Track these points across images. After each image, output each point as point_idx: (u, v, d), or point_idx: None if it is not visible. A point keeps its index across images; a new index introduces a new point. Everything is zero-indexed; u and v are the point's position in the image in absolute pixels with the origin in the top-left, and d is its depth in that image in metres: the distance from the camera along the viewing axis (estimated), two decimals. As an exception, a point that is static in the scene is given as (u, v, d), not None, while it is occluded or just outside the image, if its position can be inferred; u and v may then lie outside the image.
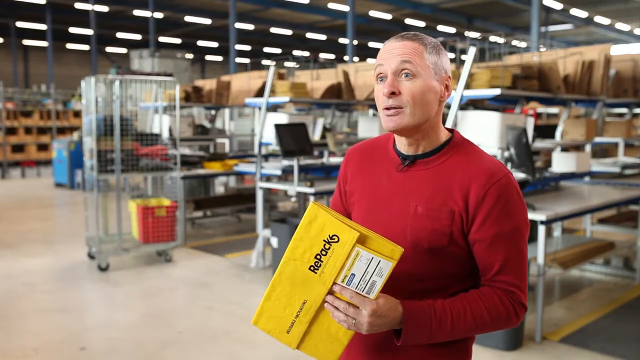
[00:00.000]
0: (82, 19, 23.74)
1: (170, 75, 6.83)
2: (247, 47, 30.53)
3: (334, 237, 1.19)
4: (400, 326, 1.21)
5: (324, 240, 1.20)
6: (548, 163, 5.78)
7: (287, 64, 10.92)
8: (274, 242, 5.27)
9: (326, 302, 1.20)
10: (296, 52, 29.12)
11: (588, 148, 5.79)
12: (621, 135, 6.31)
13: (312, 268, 1.22)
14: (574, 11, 21.12)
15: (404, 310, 1.20)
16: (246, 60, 13.59)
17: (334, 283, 1.20)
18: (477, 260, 1.30)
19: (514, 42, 19.51)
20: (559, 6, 20.06)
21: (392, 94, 1.26)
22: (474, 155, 1.32)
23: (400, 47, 1.28)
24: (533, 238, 5.40)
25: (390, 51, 1.29)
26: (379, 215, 1.34)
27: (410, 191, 1.31)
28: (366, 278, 1.18)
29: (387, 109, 1.28)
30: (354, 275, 1.18)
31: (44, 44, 27.10)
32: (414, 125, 1.28)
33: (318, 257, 1.21)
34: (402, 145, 1.35)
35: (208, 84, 8.18)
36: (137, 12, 22.93)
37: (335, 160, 6.95)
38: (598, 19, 22.64)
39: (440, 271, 1.30)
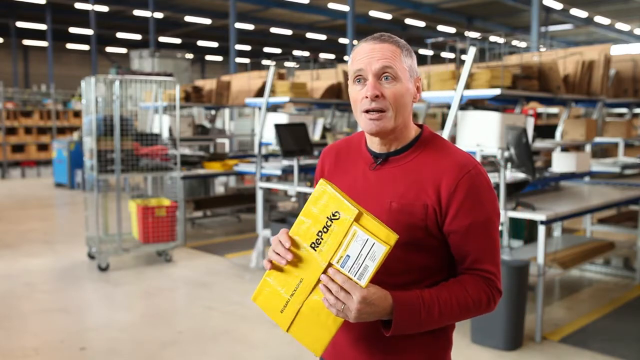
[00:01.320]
0: (82, 19, 23.74)
1: (170, 75, 6.83)
2: (247, 47, 30.53)
3: (335, 213, 1.21)
4: (388, 317, 1.23)
5: (327, 217, 1.22)
6: (548, 163, 5.78)
7: (287, 64, 10.91)
8: (274, 242, 5.26)
9: (320, 282, 1.21)
10: (296, 52, 29.13)
11: (588, 148, 5.79)
12: (621, 135, 6.31)
13: (312, 245, 1.23)
14: (574, 11, 21.12)
15: (394, 300, 1.22)
16: (246, 60, 13.58)
17: (329, 264, 1.21)
18: (453, 251, 1.34)
19: (514, 42, 19.51)
20: (559, 6, 20.06)
21: (377, 96, 1.29)
22: (444, 149, 1.36)
23: (380, 49, 1.30)
24: (533, 238, 5.41)
25: (370, 53, 1.31)
26: None
27: (385, 188, 1.34)
28: (359, 261, 1.18)
29: (369, 111, 1.30)
30: (348, 256, 1.19)
31: (44, 44, 27.11)
32: (393, 127, 1.32)
33: (320, 234, 1.23)
34: (375, 144, 1.38)
35: (208, 84, 8.18)
36: (137, 12, 22.94)
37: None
38: (598, 19, 22.64)
39: (417, 264, 1.33)
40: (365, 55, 1.31)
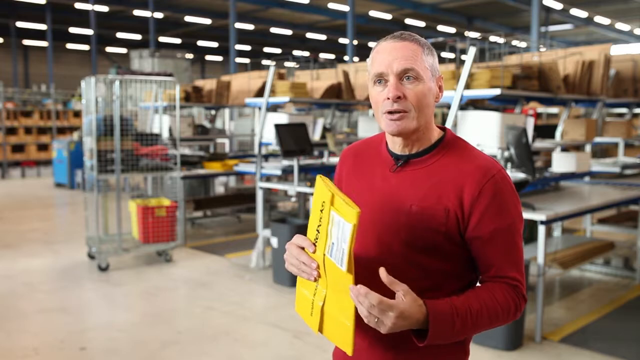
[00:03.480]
0: (82, 19, 23.75)
1: (170, 75, 6.83)
2: (247, 47, 30.53)
3: (323, 204, 1.19)
4: (421, 326, 1.18)
5: (320, 210, 1.20)
6: (548, 163, 5.79)
7: (287, 64, 10.92)
8: (274, 242, 5.27)
9: (351, 293, 1.15)
10: (296, 52, 29.13)
11: (588, 148, 5.79)
12: (621, 135, 6.30)
13: (315, 241, 1.22)
14: (574, 11, 21.13)
15: (429, 310, 1.18)
16: (246, 60, 13.58)
17: (324, 255, 1.19)
18: (477, 257, 1.31)
19: (514, 42, 19.51)
20: (559, 6, 20.06)
21: (399, 98, 1.26)
22: (467, 152, 1.33)
23: (401, 48, 1.27)
24: (533, 238, 5.40)
25: (391, 52, 1.27)
26: (376, 215, 1.33)
27: (405, 191, 1.31)
28: (339, 246, 1.14)
29: (391, 112, 1.27)
30: (333, 244, 1.16)
31: (44, 44, 27.11)
32: (415, 128, 1.29)
33: (318, 229, 1.21)
34: (397, 146, 1.35)
35: (208, 84, 8.18)
36: (137, 12, 22.94)
37: (335, 160, 6.95)
38: (598, 19, 22.64)
39: (435, 269, 1.29)
40: (386, 55, 1.28)
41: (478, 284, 1.35)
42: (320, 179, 1.23)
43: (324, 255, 1.19)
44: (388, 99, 1.26)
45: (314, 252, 1.23)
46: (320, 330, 1.26)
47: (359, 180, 1.40)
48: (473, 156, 1.31)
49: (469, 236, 1.28)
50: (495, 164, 1.29)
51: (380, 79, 1.29)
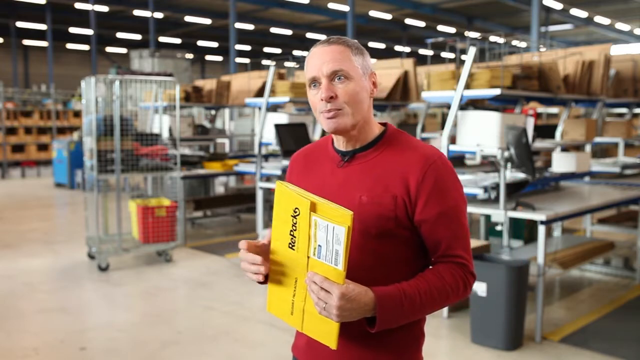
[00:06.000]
0: (82, 19, 23.75)
1: (170, 75, 6.84)
2: (247, 47, 30.53)
3: (296, 210, 1.24)
4: (371, 313, 1.24)
5: (291, 216, 1.24)
6: (548, 163, 5.78)
7: (287, 64, 10.91)
8: (274, 242, 5.27)
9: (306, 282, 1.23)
10: (296, 52, 29.13)
11: (588, 148, 5.79)
12: (621, 135, 6.30)
13: (290, 245, 1.26)
14: (574, 11, 21.13)
15: (375, 295, 1.23)
16: (246, 60, 13.58)
17: (308, 259, 1.23)
18: (426, 240, 1.38)
19: (514, 42, 19.51)
20: (559, 6, 20.06)
21: (331, 98, 1.33)
22: (409, 143, 1.41)
23: (329, 52, 1.36)
24: (533, 238, 5.41)
25: (321, 57, 1.36)
26: None
27: (354, 184, 1.38)
28: (330, 247, 1.19)
29: (327, 112, 1.35)
30: (320, 246, 1.21)
31: (44, 44, 27.11)
32: (352, 124, 1.36)
33: (292, 233, 1.25)
34: (341, 143, 1.43)
35: (208, 84, 8.18)
36: (137, 12, 22.95)
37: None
38: (598, 19, 22.64)
39: (389, 256, 1.36)
40: (316, 60, 1.36)
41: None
42: (281, 185, 1.28)
43: (308, 257, 1.23)
44: (322, 100, 1.35)
45: (270, 247, 1.29)
46: (303, 328, 1.30)
47: (309, 179, 1.47)
48: (415, 146, 1.40)
49: (417, 219, 1.35)
50: (435, 151, 1.38)
51: (315, 82, 1.38)
